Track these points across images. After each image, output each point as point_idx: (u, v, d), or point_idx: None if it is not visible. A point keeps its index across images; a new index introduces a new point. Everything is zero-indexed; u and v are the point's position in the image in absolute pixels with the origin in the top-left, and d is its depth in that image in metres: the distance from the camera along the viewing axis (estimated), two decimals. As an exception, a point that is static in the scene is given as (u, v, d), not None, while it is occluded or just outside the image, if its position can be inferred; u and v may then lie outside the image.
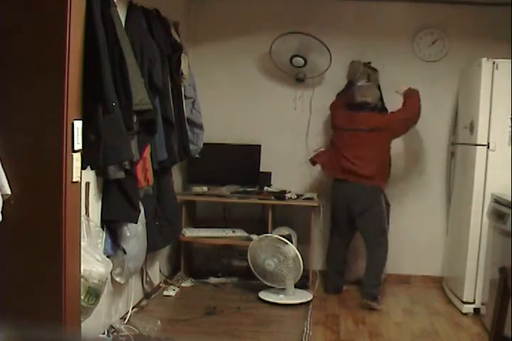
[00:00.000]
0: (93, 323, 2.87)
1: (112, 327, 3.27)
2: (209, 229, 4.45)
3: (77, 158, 2.33)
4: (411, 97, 4.09)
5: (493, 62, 3.75)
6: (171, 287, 4.19)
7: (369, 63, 4.51)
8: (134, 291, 3.62)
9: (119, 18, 2.93)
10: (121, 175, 2.94)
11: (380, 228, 4.11)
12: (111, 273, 2.99)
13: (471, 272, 3.83)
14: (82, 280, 2.52)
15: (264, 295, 4.06)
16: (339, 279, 4.35)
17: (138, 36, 3.19)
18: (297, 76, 4.59)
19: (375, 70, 4.50)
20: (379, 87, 4.42)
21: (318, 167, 4.60)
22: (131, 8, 3.27)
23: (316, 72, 4.57)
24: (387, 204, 4.24)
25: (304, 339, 3.37)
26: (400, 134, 4.20)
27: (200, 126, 4.17)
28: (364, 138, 4.06)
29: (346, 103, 4.28)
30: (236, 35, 4.66)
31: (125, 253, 3.14)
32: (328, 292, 4.29)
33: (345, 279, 4.40)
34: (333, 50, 4.46)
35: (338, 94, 4.61)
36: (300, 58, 4.46)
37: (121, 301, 3.46)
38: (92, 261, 2.65)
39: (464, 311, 3.87)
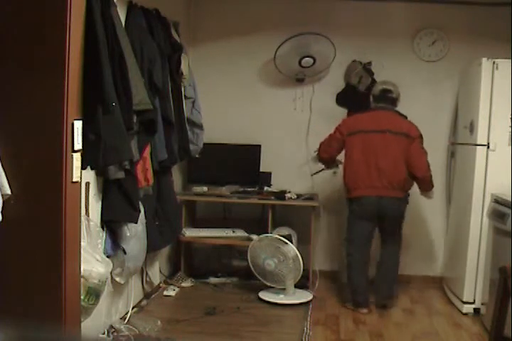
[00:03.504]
0: (93, 323, 2.87)
1: (112, 327, 3.27)
2: (209, 229, 4.45)
3: (77, 158, 2.33)
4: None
5: (493, 62, 3.75)
6: (171, 287, 4.19)
7: (369, 63, 4.51)
8: (134, 291, 3.62)
9: (119, 18, 2.93)
10: (121, 175, 2.94)
11: (397, 231, 4.02)
12: (111, 273, 2.99)
13: (471, 272, 3.83)
14: (82, 280, 2.52)
15: (264, 295, 4.06)
16: (368, 288, 3.98)
17: (138, 36, 3.20)
18: (297, 76, 4.59)
19: (370, 74, 4.48)
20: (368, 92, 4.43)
21: (318, 167, 4.60)
22: (131, 8, 3.27)
23: (320, 68, 4.56)
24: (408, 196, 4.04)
25: (303, 339, 3.37)
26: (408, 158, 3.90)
27: (200, 126, 4.17)
28: (386, 141, 3.85)
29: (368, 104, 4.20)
30: (236, 35, 4.66)
31: (125, 253, 3.14)
32: (362, 306, 3.91)
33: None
34: (333, 50, 4.46)
35: (338, 94, 4.62)
36: (309, 58, 4.45)
37: (121, 301, 3.46)
38: (92, 261, 2.65)
39: (464, 311, 3.87)
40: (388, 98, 3.97)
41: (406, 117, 4.00)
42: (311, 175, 4.41)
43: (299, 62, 4.48)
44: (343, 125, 3.99)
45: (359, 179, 3.88)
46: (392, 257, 4.01)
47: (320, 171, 4.35)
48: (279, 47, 4.45)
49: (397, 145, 3.86)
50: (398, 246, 4.04)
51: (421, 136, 3.92)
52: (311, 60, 4.47)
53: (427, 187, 4.03)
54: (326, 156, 4.11)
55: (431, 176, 3.99)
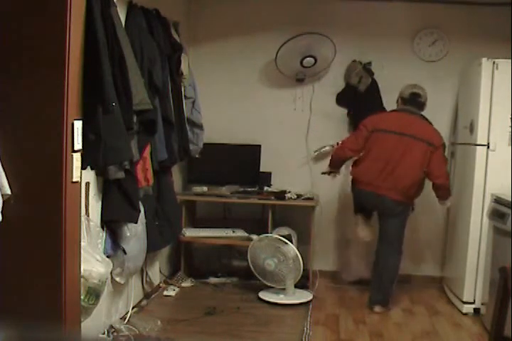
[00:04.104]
0: (93, 323, 2.87)
1: (112, 327, 3.27)
2: (209, 229, 4.45)
3: (77, 158, 2.33)
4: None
5: (493, 62, 3.75)
6: (171, 287, 4.19)
7: (369, 63, 4.51)
8: (134, 291, 3.62)
9: (119, 18, 2.93)
10: (121, 175, 2.93)
11: (397, 236, 3.96)
12: (111, 273, 2.99)
13: (471, 272, 3.83)
14: (82, 280, 2.52)
15: (264, 295, 4.06)
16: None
17: (138, 36, 3.20)
18: (297, 76, 4.59)
19: (370, 74, 4.49)
20: (376, 90, 4.45)
21: (318, 167, 4.61)
22: (131, 8, 3.27)
23: (321, 68, 4.56)
24: (412, 209, 4.06)
25: (303, 339, 3.37)
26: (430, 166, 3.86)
27: (200, 126, 4.18)
28: (407, 145, 3.82)
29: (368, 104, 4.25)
30: (236, 35, 4.66)
31: (125, 253, 3.14)
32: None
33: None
34: (333, 50, 4.46)
35: (338, 94, 4.62)
36: (311, 58, 4.45)
37: (121, 301, 3.46)
38: (92, 261, 2.65)
39: (464, 311, 3.87)
40: (417, 102, 3.96)
41: (431, 123, 3.99)
42: (322, 174, 4.40)
43: (301, 62, 4.48)
44: (369, 122, 3.97)
45: (367, 175, 3.91)
46: (389, 269, 3.95)
47: (328, 173, 4.33)
48: (279, 48, 4.44)
49: (416, 151, 3.82)
50: (397, 259, 3.98)
51: (444, 145, 3.90)
52: (312, 60, 4.46)
53: (444, 194, 4.00)
54: (350, 155, 4.05)
55: (449, 185, 3.98)
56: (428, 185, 4.59)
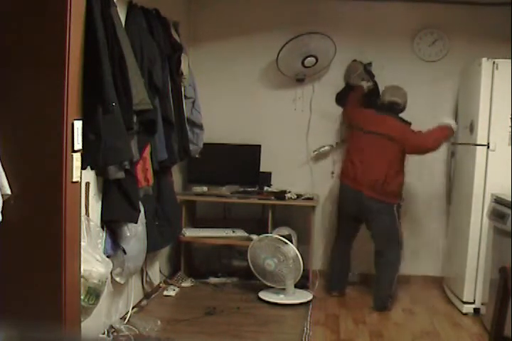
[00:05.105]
0: (93, 323, 2.87)
1: (112, 327, 3.27)
2: (209, 229, 4.45)
3: (77, 158, 2.34)
4: (441, 131, 3.96)
5: (493, 62, 3.75)
6: (171, 287, 4.19)
7: (370, 64, 4.51)
8: (134, 291, 3.62)
9: (119, 18, 2.93)
10: (121, 175, 2.94)
11: (390, 235, 3.97)
12: (111, 273, 2.99)
13: (471, 272, 3.83)
14: (82, 280, 2.52)
15: (264, 295, 4.06)
16: (343, 279, 4.27)
17: (138, 36, 3.20)
18: (297, 76, 4.59)
19: (371, 76, 4.49)
20: (376, 90, 4.46)
21: (318, 167, 4.61)
22: (131, 8, 3.27)
23: (322, 66, 4.56)
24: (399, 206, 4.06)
25: (303, 339, 3.37)
26: (409, 153, 3.98)
27: (200, 126, 4.18)
28: (374, 143, 3.93)
29: (368, 104, 4.28)
30: (236, 35, 4.66)
31: (125, 253, 3.14)
32: (332, 292, 4.22)
33: (348, 279, 4.34)
34: (333, 50, 4.45)
35: (338, 94, 4.62)
36: (312, 58, 4.44)
37: (121, 301, 3.46)
38: (92, 261, 2.65)
39: (464, 311, 3.87)
40: (394, 109, 4.04)
41: (410, 123, 4.03)
42: (313, 151, 4.63)
43: (302, 63, 4.47)
44: (352, 114, 4.28)
45: (346, 173, 4.08)
46: (384, 274, 3.97)
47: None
48: (280, 50, 4.44)
49: (382, 148, 3.93)
50: (390, 260, 3.98)
51: (406, 131, 3.94)
52: (313, 60, 4.46)
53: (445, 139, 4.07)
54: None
55: (440, 141, 3.96)
56: (426, 185, 4.60)
